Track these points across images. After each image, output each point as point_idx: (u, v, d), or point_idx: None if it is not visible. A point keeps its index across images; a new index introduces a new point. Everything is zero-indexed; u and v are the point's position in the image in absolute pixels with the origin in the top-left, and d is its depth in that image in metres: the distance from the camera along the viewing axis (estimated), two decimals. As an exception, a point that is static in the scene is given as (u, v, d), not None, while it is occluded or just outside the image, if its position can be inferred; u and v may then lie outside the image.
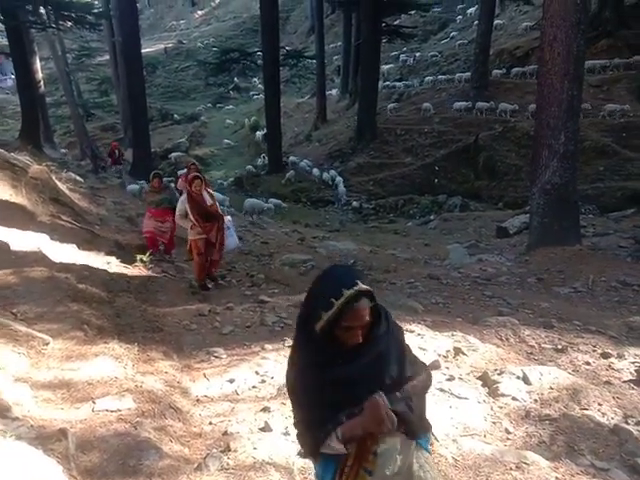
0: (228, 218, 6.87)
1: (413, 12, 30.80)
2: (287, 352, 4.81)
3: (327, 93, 29.05)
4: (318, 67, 27.94)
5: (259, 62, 24.25)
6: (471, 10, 31.40)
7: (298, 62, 28.79)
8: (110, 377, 3.61)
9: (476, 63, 22.73)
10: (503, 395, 3.85)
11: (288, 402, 3.79)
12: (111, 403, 3.33)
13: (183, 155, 26.31)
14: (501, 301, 6.81)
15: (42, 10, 21.09)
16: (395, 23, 28.79)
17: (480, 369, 4.35)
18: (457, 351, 4.66)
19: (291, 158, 21.59)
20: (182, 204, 6.53)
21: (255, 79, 37.08)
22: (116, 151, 18.26)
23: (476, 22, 24.70)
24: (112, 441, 2.98)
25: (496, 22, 26.39)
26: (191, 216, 6.41)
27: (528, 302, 6.50)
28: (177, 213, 6.65)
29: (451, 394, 3.90)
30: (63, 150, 24.02)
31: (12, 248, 5.91)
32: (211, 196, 6.68)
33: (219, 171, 24.46)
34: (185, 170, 10.81)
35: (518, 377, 4.05)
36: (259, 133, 26.70)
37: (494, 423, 3.53)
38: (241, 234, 11.40)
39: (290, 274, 8.06)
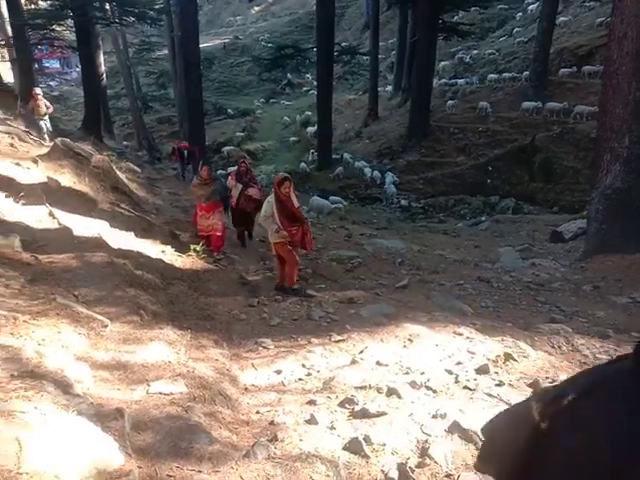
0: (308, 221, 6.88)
1: (472, 9, 30.07)
2: (333, 347, 4.90)
3: (379, 90, 28.83)
4: (372, 64, 27.76)
5: (313, 58, 24.32)
6: (532, 7, 30.37)
7: (352, 59, 28.69)
8: (164, 361, 3.74)
9: (535, 62, 21.99)
10: (555, 404, 3.73)
11: (334, 396, 3.86)
12: (164, 387, 3.45)
13: (235, 149, 26.80)
14: (554, 308, 6.62)
15: (107, 6, 21.99)
16: (453, 20, 28.19)
17: (531, 376, 4.24)
18: (507, 357, 4.56)
19: (345, 155, 21.50)
20: (268, 206, 6.23)
21: (308, 75, 37.26)
22: (185, 151, 17.56)
23: (537, 19, 23.88)
24: (165, 423, 3.09)
25: (559, 19, 25.42)
26: (277, 219, 6.13)
27: (583, 310, 6.29)
28: (262, 214, 6.37)
29: (500, 399, 3.82)
30: (125, 143, 24.92)
31: (75, 233, 6.21)
32: (297, 198, 6.42)
33: (269, 166, 24.75)
34: (235, 167, 10.59)
35: (571, 387, 3.92)
36: (310, 129, 26.84)
37: (544, 432, 3.43)
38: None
39: (337, 270, 8.10)
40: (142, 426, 3.02)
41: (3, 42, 21.70)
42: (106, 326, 4.14)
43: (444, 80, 27.03)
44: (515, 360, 4.51)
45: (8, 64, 24.40)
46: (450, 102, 22.90)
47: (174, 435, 2.99)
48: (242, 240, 9.13)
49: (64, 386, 3.16)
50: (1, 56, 23.70)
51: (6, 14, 20.37)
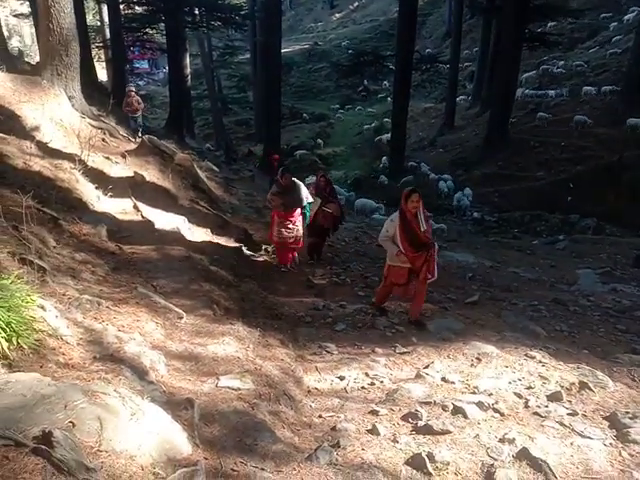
0: (436, 246, 5.51)
1: (563, 19, 28.79)
2: (398, 359, 4.84)
3: (457, 99, 28.24)
4: (451, 72, 27.27)
5: (391, 66, 24.21)
6: (629, 16, 28.64)
7: (431, 67, 28.32)
8: (233, 357, 3.85)
9: (629, 75, 20.70)
10: (635, 442, 3.48)
11: (397, 409, 3.81)
12: (233, 382, 3.55)
13: (308, 153, 27.16)
14: (636, 338, 6.19)
15: (196, 11, 23.03)
16: (539, 30, 27.13)
17: (608, 409, 3.98)
18: (582, 385, 4.32)
19: (423, 167, 21.16)
20: (391, 225, 5.42)
21: (385, 82, 37.10)
22: (275, 163, 17.89)
23: (635, 29, 22.48)
24: (232, 417, 3.17)
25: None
26: (399, 242, 5.30)
27: (669, 343, 5.83)
28: (383, 235, 5.52)
29: (573, 430, 3.62)
30: (207, 145, 25.90)
31: (156, 226, 6.54)
32: (426, 220, 5.42)
33: (339, 171, 24.86)
34: (314, 179, 9.91)
35: (655, 425, 3.65)
36: (384, 136, 26.73)
37: (622, 471, 3.21)
38: (357, 235, 11.52)
39: (404, 281, 7.97)
40: (210, 418, 3.12)
41: (102, 44, 23.24)
42: (181, 318, 4.32)
43: (530, 91, 25.94)
44: (591, 390, 4.26)
45: (103, 64, 26.15)
46: (541, 114, 21.84)
47: (240, 430, 3.06)
48: (312, 255, 8.36)
49: (140, 372, 3.33)
50: (98, 57, 25.36)
51: (106, 18, 21.84)
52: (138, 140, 10.34)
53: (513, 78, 21.30)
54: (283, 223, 7.25)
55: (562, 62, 28.83)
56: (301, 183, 7.48)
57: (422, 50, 33.46)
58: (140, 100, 11.96)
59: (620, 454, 3.39)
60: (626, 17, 29.13)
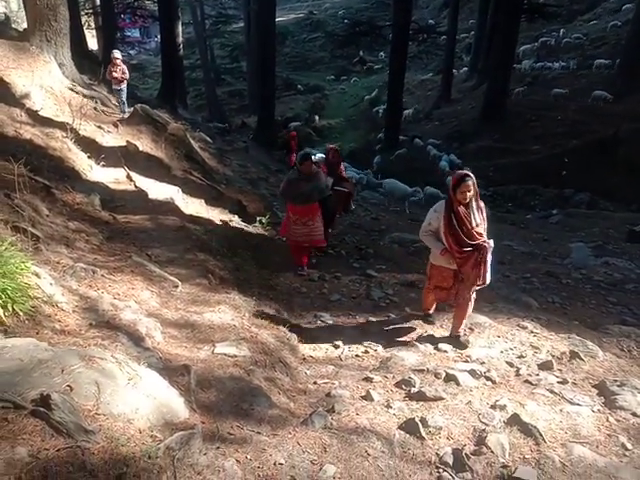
0: (491, 244, 4.34)
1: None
2: (390, 327, 4.89)
3: (454, 71, 27.87)
4: (448, 43, 26.83)
5: (387, 36, 23.81)
6: (629, -13, 28.19)
7: (428, 38, 27.86)
8: (229, 324, 3.87)
9: (627, 48, 20.46)
10: (622, 409, 3.58)
11: (390, 376, 3.86)
12: (229, 349, 3.58)
13: (302, 125, 26.85)
14: (626, 310, 6.29)
15: (189, -23, 22.43)
16: (538, 1, 26.65)
17: (597, 377, 4.08)
18: (573, 355, 4.41)
19: (431, 141, 20.54)
20: (434, 216, 4.41)
21: (382, 53, 36.53)
22: (293, 142, 16.89)
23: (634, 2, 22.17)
24: (228, 383, 3.21)
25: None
26: (444, 238, 4.32)
27: (659, 314, 5.92)
28: (424, 228, 4.51)
29: (562, 397, 3.71)
30: (201, 116, 25.43)
31: (150, 196, 6.49)
32: (480, 212, 4.35)
33: (334, 144, 24.65)
34: (322, 156, 9.06)
35: (642, 392, 3.73)
36: (379, 108, 26.44)
37: (609, 436, 3.30)
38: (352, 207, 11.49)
39: (399, 252, 8.02)
40: (206, 384, 3.15)
41: (92, 11, 22.64)
42: (177, 286, 4.33)
43: (538, 62, 25.46)
44: (581, 359, 4.35)
45: (93, 32, 25.51)
46: (556, 91, 21.14)
47: (236, 396, 3.10)
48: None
49: (136, 339, 3.35)
50: (88, 24, 24.73)
51: (95, -17, 21.25)
52: (125, 116, 9.65)
53: (511, 50, 21.00)
54: (300, 220, 6.04)
55: (560, 34, 28.47)
56: (320, 170, 6.28)
57: (419, 20, 32.76)
58: (126, 70, 10.13)
59: (607, 420, 3.47)
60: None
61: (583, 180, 16.80)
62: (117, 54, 10.04)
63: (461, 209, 4.22)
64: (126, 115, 9.71)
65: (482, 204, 4.39)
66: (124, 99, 10.10)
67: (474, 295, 4.60)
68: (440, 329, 4.95)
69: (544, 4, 26.83)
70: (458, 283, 4.51)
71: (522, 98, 21.81)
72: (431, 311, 5.06)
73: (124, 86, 10.03)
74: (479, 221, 4.30)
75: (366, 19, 32.70)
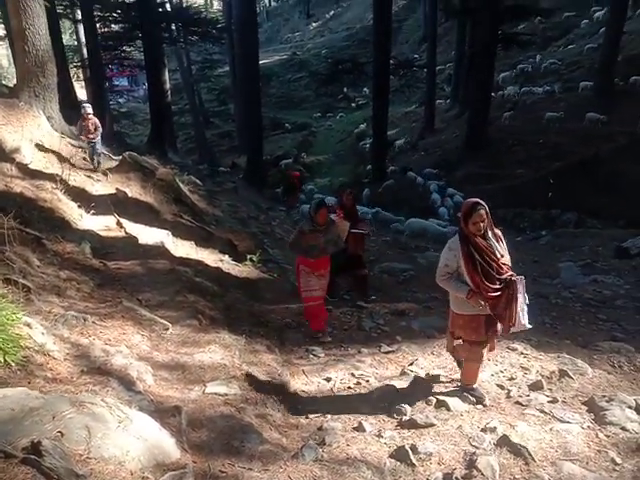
0: (522, 279, 3.73)
1: (534, 18, 29.40)
2: (383, 358, 4.94)
3: (437, 102, 28.59)
4: (428, 75, 27.63)
5: (370, 72, 24.50)
6: (599, 14, 29.28)
7: (408, 72, 28.68)
8: (220, 364, 3.93)
9: (601, 71, 21.18)
10: (611, 424, 3.62)
11: (382, 406, 3.90)
12: (219, 388, 3.63)
13: (292, 163, 27.37)
14: (616, 326, 6.36)
15: (173, 27, 23.19)
16: (512, 30, 27.60)
17: (586, 394, 4.13)
18: (562, 373, 4.46)
19: (427, 171, 20.80)
20: (450, 255, 3.76)
21: (365, 89, 37.43)
22: (297, 182, 16.18)
23: (603, 28, 22.99)
24: (219, 422, 3.25)
25: (629, 26, 24.26)
26: (468, 276, 3.67)
27: (647, 329, 6.00)
28: (441, 271, 3.81)
29: (553, 417, 3.76)
30: (191, 159, 25.77)
31: (140, 241, 6.59)
32: (499, 241, 3.77)
33: (324, 179, 25.03)
34: (335, 200, 8.78)
35: (630, 407, 3.79)
36: (366, 142, 26.99)
37: (599, 451, 3.34)
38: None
39: (389, 282, 8.11)
40: (198, 424, 3.20)
41: (79, 63, 23.26)
42: (167, 329, 4.39)
43: (502, 91, 26.34)
44: (571, 377, 4.40)
45: (82, 83, 26.14)
46: (550, 114, 21.24)
47: (227, 434, 3.14)
48: (332, 289, 6.51)
49: (127, 383, 3.40)
50: (76, 76, 25.34)
51: (83, 38, 21.90)
52: (99, 168, 9.32)
53: (489, 79, 21.65)
54: (313, 273, 5.50)
55: (538, 57, 29.40)
56: (334, 220, 5.72)
57: (399, 55, 33.84)
58: (98, 123, 9.57)
59: (597, 435, 3.52)
60: (596, 15, 29.77)
61: (569, 200, 17.08)
62: (88, 109, 9.63)
63: (479, 240, 3.63)
64: (99, 167, 9.38)
65: (499, 232, 3.79)
66: (99, 151, 9.65)
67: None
68: (431, 356, 5.01)
69: (518, 33, 27.84)
70: (490, 333, 3.85)
71: (508, 123, 22.36)
72: (476, 385, 4.14)
73: (98, 139, 9.55)
74: (502, 251, 3.71)
75: (348, 57, 33.68)
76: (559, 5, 31.87)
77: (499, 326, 3.84)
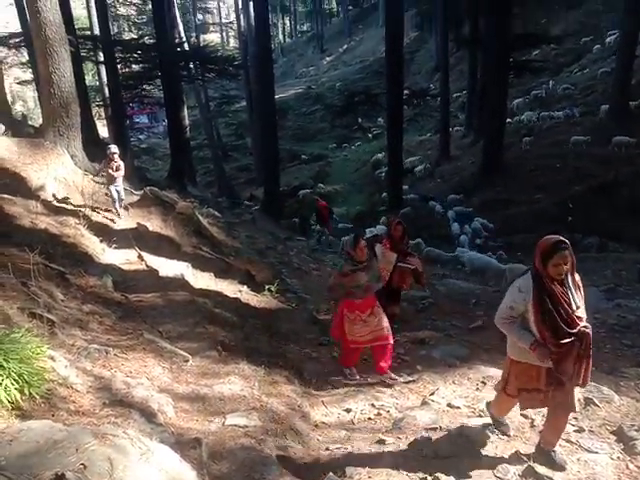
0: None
1: (547, 45, 29.74)
2: (403, 388, 4.88)
3: (451, 130, 28.82)
4: (442, 104, 27.96)
5: (383, 102, 24.90)
6: (610, 39, 29.46)
7: (422, 101, 29.06)
8: (239, 395, 3.93)
9: (614, 95, 21.21)
10: (642, 454, 3.52)
11: (403, 436, 3.85)
12: (239, 419, 3.63)
13: (310, 192, 27.74)
14: (642, 351, 6.21)
15: (191, 65, 23.95)
16: (524, 58, 27.89)
17: (614, 423, 4.02)
18: (588, 401, 4.35)
19: (452, 197, 20.90)
20: (519, 298, 3.24)
21: (380, 119, 37.96)
22: (326, 212, 16.11)
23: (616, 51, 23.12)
24: (239, 454, 3.25)
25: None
26: (535, 328, 3.20)
27: (675, 354, 5.84)
28: (504, 313, 3.31)
29: (580, 447, 3.66)
30: (210, 192, 26.19)
31: (160, 274, 6.70)
32: (578, 290, 3.22)
33: (341, 208, 25.21)
34: (380, 230, 8.43)
35: (661, 436, 3.67)
36: (382, 171, 27.24)
37: (630, 483, 3.24)
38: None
39: (408, 310, 8.04)
40: (218, 456, 3.19)
41: (102, 102, 24.08)
42: (187, 361, 4.42)
43: (517, 117, 26.45)
44: (597, 405, 4.30)
45: (104, 121, 27.02)
46: (576, 138, 21.02)
47: (248, 466, 3.13)
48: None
49: (148, 415, 3.42)
50: (98, 115, 26.20)
51: (105, 78, 22.75)
52: (122, 213, 8.82)
53: (502, 106, 21.81)
54: (360, 317, 4.98)
55: (552, 82, 29.54)
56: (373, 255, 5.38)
57: (413, 86, 34.35)
58: (122, 166, 8.80)
59: (627, 467, 3.42)
60: (607, 40, 29.94)
61: (590, 224, 16.89)
62: (114, 149, 8.93)
63: (557, 288, 3.11)
64: (122, 215, 8.85)
65: (578, 278, 3.25)
66: (122, 196, 8.96)
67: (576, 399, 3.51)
68: (452, 385, 4.94)
69: (530, 60, 28.12)
70: (553, 385, 3.31)
71: (526, 149, 22.36)
72: (505, 417, 3.90)
73: (120, 182, 8.84)
74: (579, 303, 3.16)
75: (362, 89, 34.27)
76: (570, 31, 32.22)
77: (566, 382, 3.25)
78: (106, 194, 9.29)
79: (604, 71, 26.68)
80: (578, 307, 3.14)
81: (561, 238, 3.13)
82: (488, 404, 3.98)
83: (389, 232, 6.52)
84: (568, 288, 3.14)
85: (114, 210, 8.87)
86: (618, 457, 3.53)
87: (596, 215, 17.18)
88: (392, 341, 5.19)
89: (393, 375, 5.12)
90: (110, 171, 8.69)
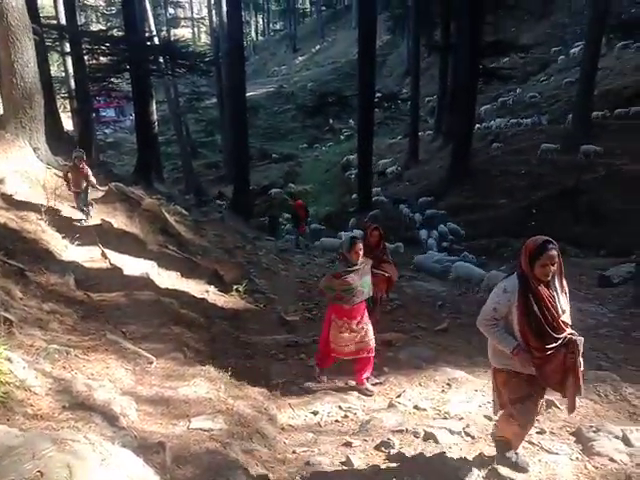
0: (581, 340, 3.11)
1: (514, 54, 30.51)
2: (370, 389, 4.88)
3: (420, 134, 29.18)
4: (412, 108, 28.28)
5: (354, 104, 25.03)
6: (574, 50, 30.40)
7: (392, 104, 29.33)
8: (205, 398, 3.87)
9: (578, 104, 21.90)
10: (599, 455, 3.62)
11: (370, 439, 3.86)
12: (204, 423, 3.56)
13: (281, 191, 27.70)
14: (601, 355, 6.39)
15: (161, 59, 23.51)
16: (493, 65, 28.53)
17: (574, 424, 4.13)
18: (549, 404, 4.45)
19: (423, 200, 20.91)
20: (504, 299, 3.10)
21: (350, 120, 38.15)
22: (303, 212, 15.95)
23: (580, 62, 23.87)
24: (204, 458, 3.19)
25: (603, 62, 25.21)
26: (518, 331, 3.07)
27: (632, 358, 6.05)
28: (486, 314, 3.19)
29: (541, 448, 3.75)
30: (177, 189, 25.75)
31: (125, 273, 6.54)
32: (565, 294, 3.11)
33: (310, 208, 25.21)
34: (354, 232, 8.14)
35: (617, 437, 3.80)
36: (351, 172, 27.41)
37: (588, 483, 3.33)
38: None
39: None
40: (182, 460, 3.13)
41: (67, 94, 23.39)
42: (151, 362, 4.32)
43: (485, 124, 27.06)
44: (558, 407, 4.41)
45: (69, 114, 26.25)
46: (546, 145, 21.25)
47: (213, 470, 3.08)
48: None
49: (110, 419, 3.33)
50: (63, 107, 25.44)
51: (70, 69, 22.10)
52: (86, 220, 8.06)
53: (471, 112, 22.21)
54: (348, 324, 4.81)
55: (519, 90, 30.32)
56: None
57: (384, 89, 34.61)
58: (90, 173, 8.02)
59: (586, 467, 3.51)
60: (572, 50, 30.88)
61: (551, 230, 17.24)
62: (79, 153, 8.20)
63: (543, 290, 2.98)
64: (89, 220, 8.12)
65: (565, 283, 3.12)
66: (88, 199, 8.29)
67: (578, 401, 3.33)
68: (418, 387, 4.98)
69: (499, 67, 28.76)
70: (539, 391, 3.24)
71: (492, 154, 22.82)
72: (519, 451, 3.52)
73: (87, 190, 8.20)
74: (565, 307, 3.06)
75: (334, 90, 34.33)
76: (538, 41, 33.10)
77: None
78: (68, 189, 9.01)
79: (568, 81, 27.50)
80: (564, 312, 3.05)
81: (549, 238, 3.02)
82: (494, 434, 3.61)
83: (366, 238, 6.15)
84: (555, 291, 3.03)
85: (82, 214, 8.22)
86: (577, 458, 3.63)
87: (557, 221, 17.67)
88: (373, 354, 5.04)
89: (370, 387, 5.00)
90: (77, 182, 7.98)
